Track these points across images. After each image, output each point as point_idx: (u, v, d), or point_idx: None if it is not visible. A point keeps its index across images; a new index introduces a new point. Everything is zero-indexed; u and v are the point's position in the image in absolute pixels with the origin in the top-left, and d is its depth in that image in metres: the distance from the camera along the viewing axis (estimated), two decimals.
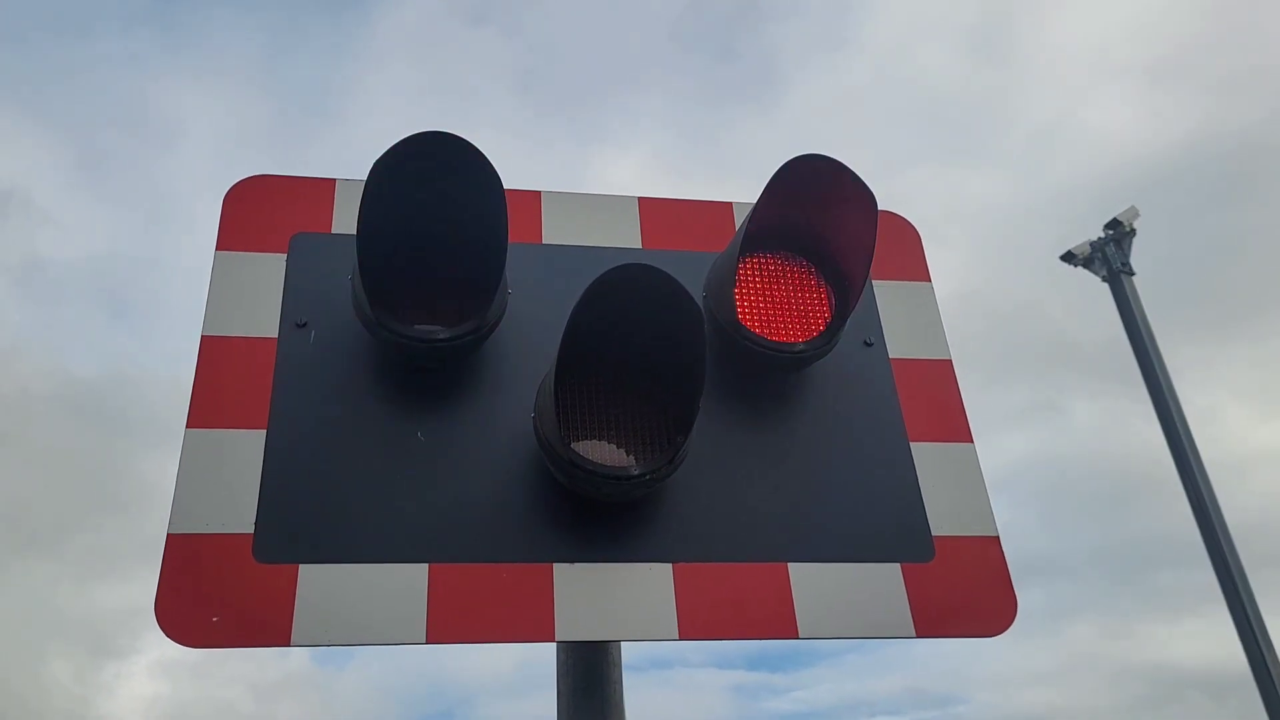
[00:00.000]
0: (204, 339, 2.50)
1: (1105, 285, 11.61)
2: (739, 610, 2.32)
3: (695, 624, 2.28)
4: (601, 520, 2.37)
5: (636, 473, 2.25)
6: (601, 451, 2.33)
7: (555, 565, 2.30)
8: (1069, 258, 11.93)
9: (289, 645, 2.14)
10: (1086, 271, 11.82)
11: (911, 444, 2.67)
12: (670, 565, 2.35)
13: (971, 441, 2.72)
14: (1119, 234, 11.63)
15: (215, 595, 2.16)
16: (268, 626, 2.14)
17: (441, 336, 2.38)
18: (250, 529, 2.25)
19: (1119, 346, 11.15)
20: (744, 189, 2.91)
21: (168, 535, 2.21)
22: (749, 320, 2.61)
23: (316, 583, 2.20)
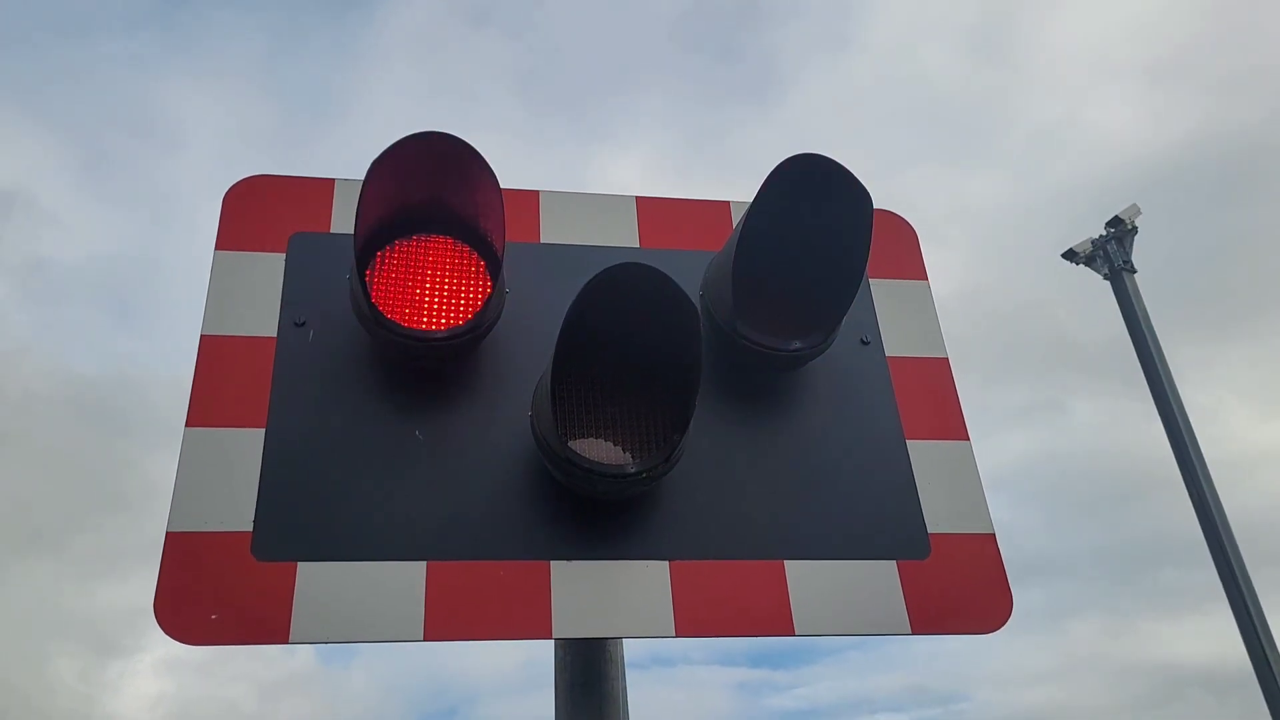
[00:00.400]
0: (203, 338, 2.51)
1: (1106, 284, 11.59)
2: (735, 607, 2.33)
3: (692, 621, 2.29)
4: (598, 518, 2.38)
5: (633, 471, 2.25)
6: (598, 450, 2.34)
7: (552, 563, 2.31)
8: (1071, 255, 11.91)
9: (287, 643, 2.15)
10: (1088, 270, 11.81)
11: (908, 442, 2.68)
12: (667, 563, 2.36)
13: (968, 439, 2.73)
14: (1121, 231, 11.59)
15: (214, 593, 2.17)
16: (266, 624, 2.15)
17: (439, 335, 2.39)
18: (249, 527, 2.26)
19: (1120, 345, 11.14)
20: (745, 189, 2.91)
21: (167, 533, 2.22)
22: None
23: (315, 580, 2.21)
